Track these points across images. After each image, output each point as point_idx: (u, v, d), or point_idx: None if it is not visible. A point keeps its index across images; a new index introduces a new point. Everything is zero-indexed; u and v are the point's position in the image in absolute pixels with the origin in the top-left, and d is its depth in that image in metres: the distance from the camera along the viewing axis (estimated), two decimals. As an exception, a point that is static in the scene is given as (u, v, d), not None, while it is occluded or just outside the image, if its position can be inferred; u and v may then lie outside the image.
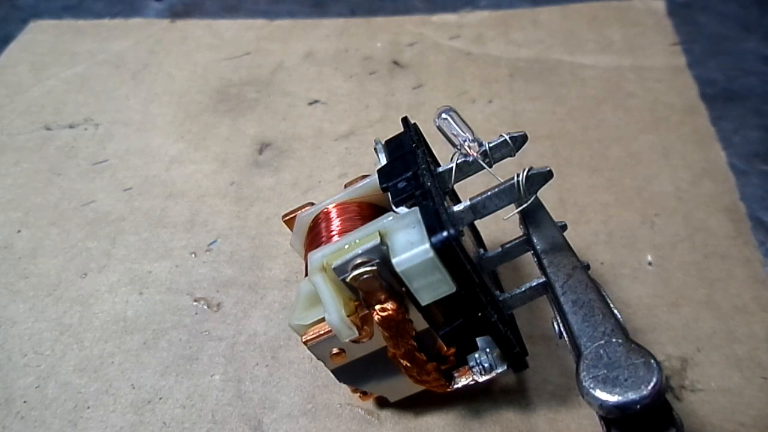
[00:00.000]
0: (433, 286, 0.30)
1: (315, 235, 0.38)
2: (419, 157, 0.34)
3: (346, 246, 0.31)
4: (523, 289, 0.34)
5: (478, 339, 0.35)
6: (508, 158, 0.35)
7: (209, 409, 0.41)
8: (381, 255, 0.30)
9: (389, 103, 0.62)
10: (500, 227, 0.47)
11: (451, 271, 0.30)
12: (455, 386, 0.36)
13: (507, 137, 0.35)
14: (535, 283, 0.34)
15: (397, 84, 0.64)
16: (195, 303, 0.47)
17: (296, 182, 0.55)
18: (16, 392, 0.42)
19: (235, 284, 0.48)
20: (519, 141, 0.35)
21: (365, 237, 0.31)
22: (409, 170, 0.34)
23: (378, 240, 0.30)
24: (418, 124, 0.38)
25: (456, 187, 0.37)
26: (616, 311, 0.31)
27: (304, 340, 0.33)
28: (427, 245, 0.29)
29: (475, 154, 0.35)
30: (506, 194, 0.32)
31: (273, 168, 0.57)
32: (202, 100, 0.64)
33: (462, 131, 0.35)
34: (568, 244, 0.35)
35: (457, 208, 0.32)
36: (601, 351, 0.29)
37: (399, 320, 0.32)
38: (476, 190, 0.34)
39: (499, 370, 0.34)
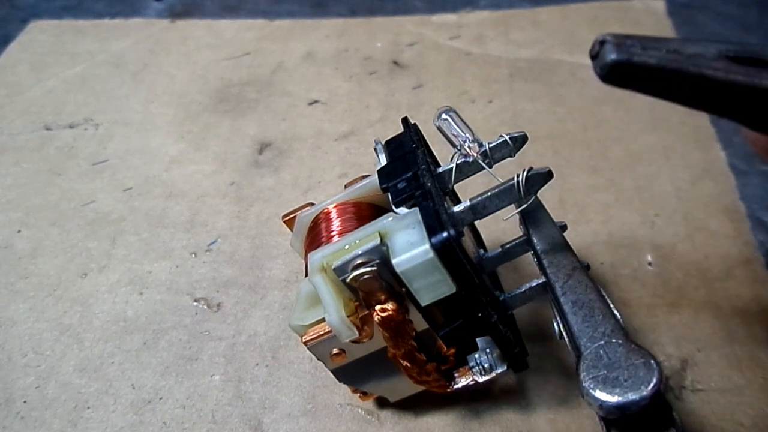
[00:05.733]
0: (433, 287, 0.30)
1: (315, 236, 0.38)
2: (419, 157, 0.34)
3: (346, 246, 0.31)
4: (523, 290, 0.34)
5: (478, 339, 0.35)
6: (508, 158, 0.35)
7: (209, 409, 0.41)
8: (381, 255, 0.30)
9: (389, 103, 0.62)
10: (500, 227, 0.47)
11: (451, 272, 0.30)
12: (455, 386, 0.36)
13: (507, 137, 0.35)
14: (535, 284, 0.34)
15: (397, 84, 0.64)
16: (195, 303, 0.47)
17: (296, 182, 0.55)
18: (16, 392, 0.42)
19: (235, 284, 0.48)
20: (519, 141, 0.35)
21: (365, 237, 0.31)
22: (409, 171, 0.34)
23: (378, 240, 0.30)
24: (418, 124, 0.38)
25: (456, 187, 0.37)
26: (616, 311, 0.31)
27: (304, 340, 0.33)
28: (427, 246, 0.29)
29: (475, 154, 0.35)
30: (506, 194, 0.32)
31: (273, 168, 0.57)
32: (202, 100, 0.64)
33: (462, 132, 0.35)
34: (568, 245, 0.35)
35: (457, 208, 0.32)
36: (601, 351, 0.29)
37: (399, 320, 0.32)
38: (476, 190, 0.34)
39: (499, 371, 0.34)
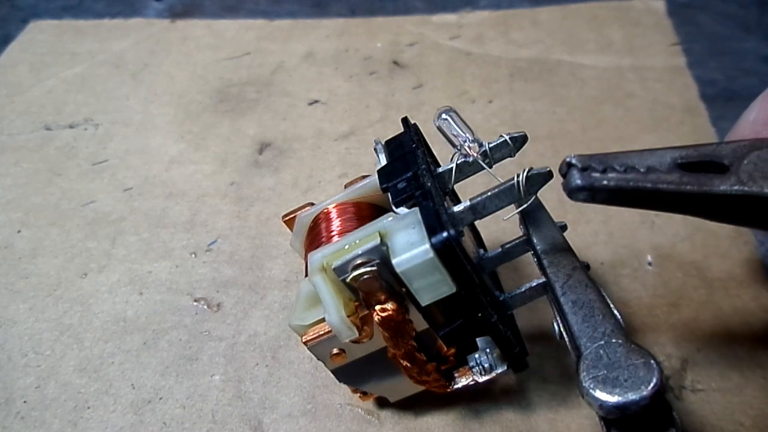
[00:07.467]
0: (433, 287, 0.30)
1: (315, 236, 0.38)
2: (419, 157, 0.34)
3: (346, 246, 0.31)
4: (523, 290, 0.34)
5: (478, 339, 0.35)
6: (508, 158, 0.35)
7: (209, 409, 0.41)
8: (381, 255, 0.30)
9: (389, 103, 0.62)
10: (500, 227, 0.47)
11: (451, 272, 0.30)
12: (455, 386, 0.36)
13: (507, 137, 0.35)
14: (535, 284, 0.34)
15: (397, 84, 0.64)
16: (195, 303, 0.47)
17: (296, 182, 0.55)
18: (16, 392, 0.42)
19: (235, 284, 0.48)
20: (519, 141, 0.35)
21: (365, 237, 0.31)
22: (409, 170, 0.34)
23: (378, 240, 0.30)
24: (418, 124, 0.38)
25: (456, 187, 0.37)
26: (616, 311, 0.31)
27: (304, 340, 0.33)
28: (427, 246, 0.29)
29: (475, 154, 0.34)
30: (506, 195, 0.32)
31: (273, 168, 0.57)
32: (202, 100, 0.64)
33: (462, 131, 0.35)
34: (568, 245, 0.35)
35: (457, 208, 0.32)
36: (601, 351, 0.29)
37: (399, 320, 0.32)
38: (476, 190, 0.34)
39: (499, 371, 0.34)
